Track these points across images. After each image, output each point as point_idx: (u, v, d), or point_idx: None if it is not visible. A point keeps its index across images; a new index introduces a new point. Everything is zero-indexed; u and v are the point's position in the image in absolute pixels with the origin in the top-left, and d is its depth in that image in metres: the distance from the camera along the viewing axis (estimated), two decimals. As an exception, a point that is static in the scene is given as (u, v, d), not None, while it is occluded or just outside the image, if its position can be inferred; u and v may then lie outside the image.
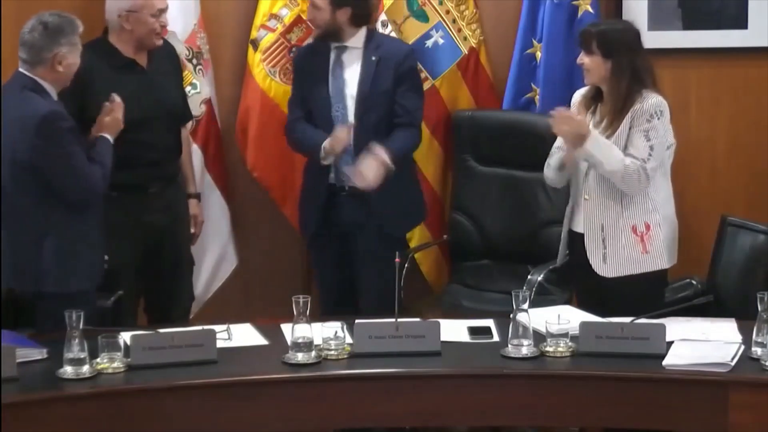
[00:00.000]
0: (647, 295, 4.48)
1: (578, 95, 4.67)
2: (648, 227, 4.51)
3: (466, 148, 5.45)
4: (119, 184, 4.67)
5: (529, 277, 4.98)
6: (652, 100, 4.46)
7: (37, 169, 4.32)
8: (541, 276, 4.97)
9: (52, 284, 4.39)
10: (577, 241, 4.60)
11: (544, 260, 5.03)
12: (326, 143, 4.90)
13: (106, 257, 4.65)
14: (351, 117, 4.98)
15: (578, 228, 4.60)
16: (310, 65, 5.05)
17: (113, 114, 4.58)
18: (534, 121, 5.26)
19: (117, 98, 4.59)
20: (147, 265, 4.93)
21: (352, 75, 4.98)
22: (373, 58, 4.97)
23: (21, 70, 4.40)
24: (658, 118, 4.46)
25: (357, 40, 5.01)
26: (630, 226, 4.50)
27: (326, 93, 5.00)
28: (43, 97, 4.35)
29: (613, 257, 4.50)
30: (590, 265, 4.52)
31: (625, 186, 4.45)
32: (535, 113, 5.37)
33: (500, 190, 5.38)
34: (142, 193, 4.83)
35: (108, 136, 4.54)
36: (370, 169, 4.82)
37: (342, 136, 4.87)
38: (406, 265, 5.19)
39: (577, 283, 4.78)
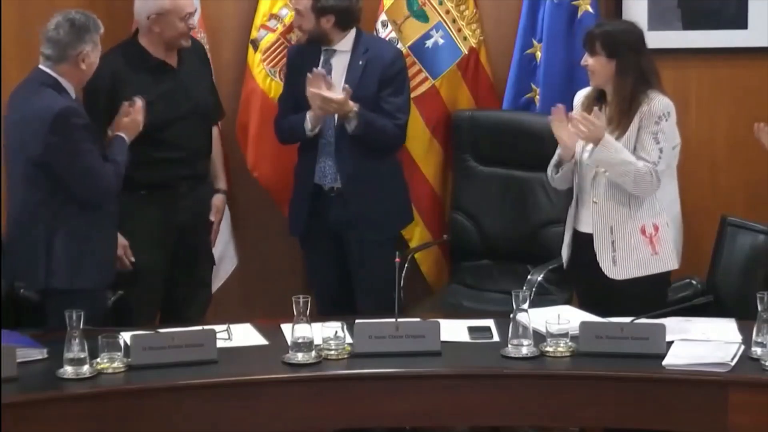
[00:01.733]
0: (653, 295, 4.48)
1: (580, 96, 4.66)
2: (657, 228, 4.50)
3: (466, 148, 5.44)
4: (149, 183, 4.72)
5: (529, 277, 4.97)
6: (660, 102, 4.46)
7: (48, 165, 4.33)
8: (541, 276, 4.96)
9: (62, 281, 4.39)
10: (582, 241, 4.60)
11: (544, 260, 5.03)
12: (309, 112, 4.93)
13: (133, 259, 4.71)
14: (336, 120, 5.00)
15: (584, 228, 4.59)
16: (301, 65, 5.07)
17: (132, 115, 4.59)
18: (534, 121, 5.25)
19: (139, 102, 4.61)
20: (172, 263, 4.94)
21: (338, 79, 5.00)
22: (360, 63, 5.01)
23: (41, 67, 4.41)
24: (666, 120, 4.46)
25: (345, 43, 5.04)
26: (639, 227, 4.49)
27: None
28: (61, 95, 4.36)
29: (624, 260, 4.49)
30: (597, 266, 4.51)
31: (637, 189, 4.44)
32: (534, 113, 5.37)
33: (500, 190, 5.37)
34: (171, 192, 4.85)
35: (124, 136, 4.56)
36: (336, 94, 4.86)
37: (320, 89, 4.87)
38: (405, 265, 5.19)
39: (580, 282, 4.76)
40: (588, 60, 4.52)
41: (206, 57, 5.13)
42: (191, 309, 5.02)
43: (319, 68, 4.99)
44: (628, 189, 4.45)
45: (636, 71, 4.45)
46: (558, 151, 4.58)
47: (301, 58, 5.11)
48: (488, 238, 5.38)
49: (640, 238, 4.50)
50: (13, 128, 4.43)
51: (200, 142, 4.97)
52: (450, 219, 5.50)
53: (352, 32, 5.06)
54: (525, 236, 5.28)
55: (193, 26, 4.88)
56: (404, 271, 5.12)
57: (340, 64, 5.04)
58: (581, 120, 4.43)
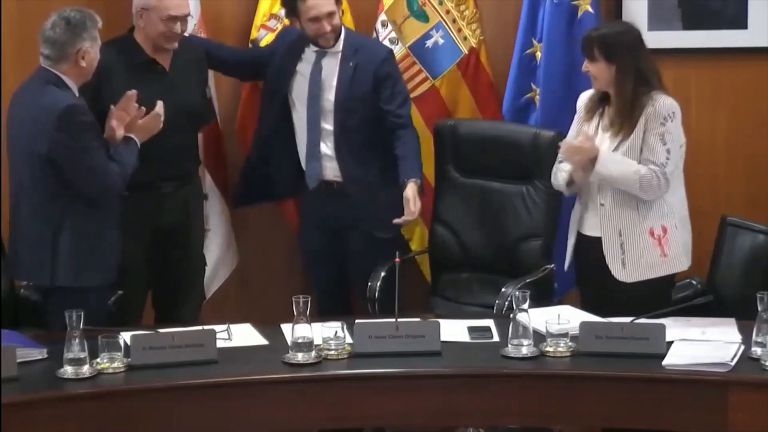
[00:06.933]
0: (659, 296, 4.47)
1: (584, 98, 4.66)
2: (665, 230, 4.50)
3: (448, 159, 5.24)
4: (130, 182, 4.70)
5: (503, 289, 4.77)
6: (665, 103, 4.45)
7: (54, 162, 4.33)
8: (515, 289, 4.75)
9: (67, 279, 4.40)
10: (588, 244, 4.59)
11: (523, 274, 4.90)
12: None
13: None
14: (323, 123, 5.01)
15: (589, 231, 4.58)
16: (286, 55, 5.07)
17: (146, 119, 4.58)
18: (515, 132, 5.16)
19: (160, 106, 4.62)
20: (156, 264, 4.94)
21: (330, 81, 5.00)
22: (351, 64, 4.99)
23: (43, 65, 4.41)
24: (672, 121, 4.45)
25: (337, 44, 5.02)
26: (647, 230, 4.49)
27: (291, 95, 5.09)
28: (64, 92, 4.36)
29: (633, 262, 4.49)
30: (605, 268, 4.51)
31: (645, 194, 4.43)
32: (515, 124, 5.31)
33: (480, 202, 5.17)
34: (154, 192, 4.84)
35: (136, 138, 4.55)
36: (411, 203, 4.86)
37: None
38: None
39: (586, 285, 4.74)
40: (588, 66, 4.51)
41: (204, 64, 5.09)
42: (182, 310, 5.00)
43: (310, 68, 5.01)
44: (637, 195, 4.45)
45: (636, 72, 4.45)
46: (566, 169, 4.57)
47: (290, 48, 5.07)
48: (468, 251, 5.17)
49: (649, 240, 4.49)
50: (18, 126, 4.43)
51: (185, 142, 4.94)
52: (431, 230, 5.31)
53: (342, 31, 5.04)
54: (504, 249, 5.08)
55: (178, 31, 4.83)
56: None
57: (331, 65, 5.02)
58: (570, 150, 4.46)
